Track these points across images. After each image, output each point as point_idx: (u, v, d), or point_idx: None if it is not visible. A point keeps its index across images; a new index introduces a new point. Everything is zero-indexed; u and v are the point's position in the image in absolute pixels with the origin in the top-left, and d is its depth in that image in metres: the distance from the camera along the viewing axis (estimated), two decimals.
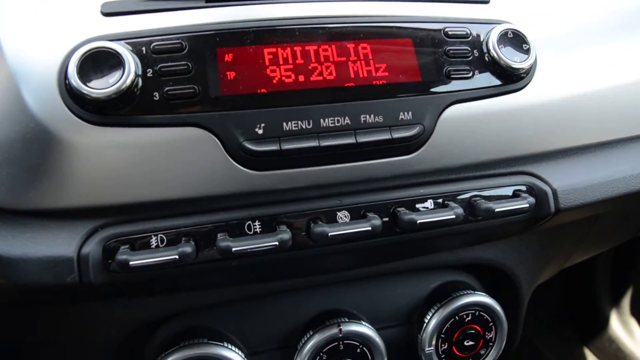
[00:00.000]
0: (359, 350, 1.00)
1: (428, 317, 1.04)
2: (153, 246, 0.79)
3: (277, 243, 0.79)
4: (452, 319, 1.04)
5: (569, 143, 0.98)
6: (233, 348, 0.95)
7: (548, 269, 1.26)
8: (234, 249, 0.77)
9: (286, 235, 0.80)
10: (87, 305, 0.93)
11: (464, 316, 1.05)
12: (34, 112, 0.75)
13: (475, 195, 0.91)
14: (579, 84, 0.98)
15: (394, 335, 1.07)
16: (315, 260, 0.90)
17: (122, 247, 0.77)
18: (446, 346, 1.05)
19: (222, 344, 0.95)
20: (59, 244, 0.77)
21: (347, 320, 0.99)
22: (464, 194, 0.91)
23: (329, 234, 0.80)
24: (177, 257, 0.76)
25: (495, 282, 1.13)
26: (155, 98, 0.77)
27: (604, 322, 2.29)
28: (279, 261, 0.85)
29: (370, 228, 0.82)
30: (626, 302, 2.26)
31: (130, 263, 0.75)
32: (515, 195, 0.93)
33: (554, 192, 0.95)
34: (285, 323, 1.02)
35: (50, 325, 0.96)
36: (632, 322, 2.25)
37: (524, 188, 0.94)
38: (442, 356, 1.05)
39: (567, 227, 1.18)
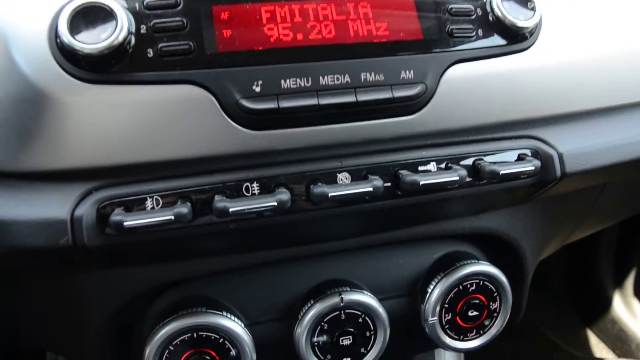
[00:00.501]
0: (360, 320, 0.97)
1: (431, 287, 1.01)
2: (148, 208, 0.76)
3: (275, 204, 0.76)
4: (456, 289, 1.01)
5: (576, 107, 0.95)
6: (232, 318, 0.93)
7: (552, 242, 1.23)
8: (231, 210, 0.75)
9: (285, 196, 0.77)
10: (83, 275, 0.90)
11: (468, 286, 1.02)
12: (25, 71, 0.73)
13: (480, 159, 0.88)
14: (587, 46, 0.95)
15: (396, 306, 1.04)
16: (315, 225, 0.87)
17: (116, 209, 0.75)
18: (450, 316, 1.02)
19: (221, 313, 0.92)
20: (52, 206, 0.75)
21: (348, 289, 0.97)
22: (468, 157, 0.88)
23: (329, 195, 0.78)
24: (172, 217, 0.74)
25: (499, 254, 1.10)
26: (149, 55, 0.74)
27: (607, 304, 2.26)
28: (278, 226, 0.82)
29: (371, 189, 0.79)
30: (629, 283, 2.23)
31: (125, 224, 0.72)
32: (520, 158, 0.90)
33: (560, 156, 0.92)
34: (286, 293, 0.99)
35: (46, 295, 0.94)
36: (635, 302, 2.22)
37: (529, 152, 0.91)
38: (446, 327, 1.03)
39: (572, 198, 1.15)
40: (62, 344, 1.07)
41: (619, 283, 2.25)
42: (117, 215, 0.73)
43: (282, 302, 0.99)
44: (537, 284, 2.45)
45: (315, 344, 0.96)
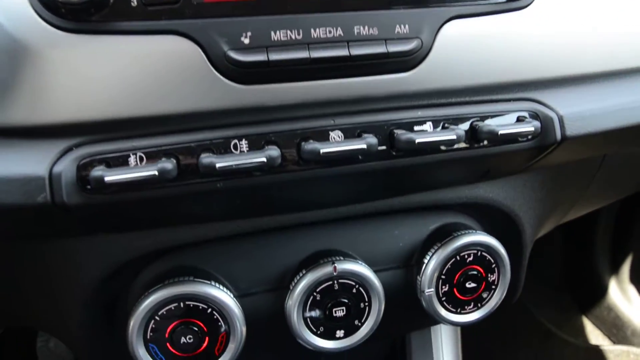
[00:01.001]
0: (354, 291, 0.93)
1: (427, 258, 0.97)
2: (131, 165, 0.72)
3: (264, 159, 0.72)
4: (453, 259, 0.97)
5: (575, 70, 0.92)
6: (221, 288, 0.89)
7: (551, 217, 1.20)
8: (218, 165, 0.71)
9: (275, 152, 0.73)
10: (66, 244, 0.86)
11: (465, 257, 0.98)
12: (1, 19, 0.69)
13: (478, 120, 0.85)
14: (587, 8, 0.92)
15: (391, 278, 1.00)
16: (306, 189, 0.83)
17: (97, 166, 0.71)
18: (447, 288, 0.98)
19: (209, 282, 0.88)
20: (29, 162, 0.71)
21: (342, 259, 0.93)
22: (465, 118, 0.84)
23: (321, 151, 0.74)
24: (156, 173, 0.70)
25: (497, 226, 1.07)
26: (132, 4, 0.70)
27: (603, 290, 2.24)
28: (267, 187, 0.78)
29: (365, 146, 0.76)
30: (625, 269, 2.21)
31: (106, 179, 0.68)
32: (520, 120, 0.87)
33: (560, 118, 0.88)
34: (277, 264, 0.95)
35: (29, 265, 0.89)
36: (631, 289, 2.20)
37: (528, 114, 0.88)
38: (443, 299, 0.99)
39: (572, 171, 1.12)
40: (47, 320, 1.02)
41: (615, 270, 2.22)
42: (98, 171, 0.69)
43: (273, 273, 0.95)
44: (533, 272, 2.43)
45: (308, 315, 0.92)
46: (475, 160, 0.87)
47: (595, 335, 2.26)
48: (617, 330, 2.20)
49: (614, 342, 2.22)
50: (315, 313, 0.93)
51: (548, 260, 2.37)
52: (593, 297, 2.26)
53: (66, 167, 0.70)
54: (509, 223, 1.06)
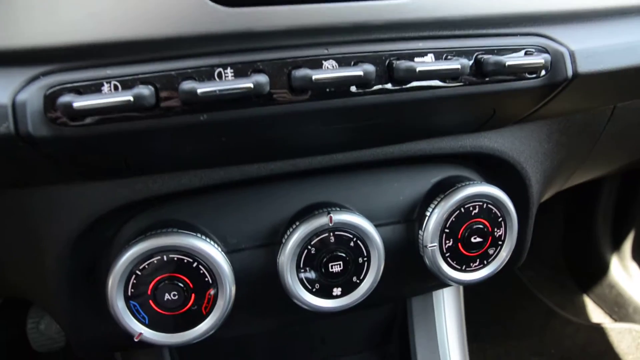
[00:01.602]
0: (352, 244, 0.86)
1: (430, 210, 0.90)
2: (105, 93, 0.64)
3: (251, 85, 0.65)
4: (458, 212, 0.90)
5: (587, 3, 0.85)
6: (209, 241, 0.81)
7: (557, 177, 1.13)
8: (200, 91, 0.63)
9: (263, 78, 0.66)
10: (42, 192, 0.79)
11: (471, 209, 0.91)
12: None
13: (483, 53, 0.77)
14: None
15: (391, 234, 0.93)
16: (298, 127, 0.76)
17: (67, 93, 0.63)
18: (451, 243, 0.91)
19: (195, 234, 0.81)
20: None
21: (338, 209, 0.85)
22: (470, 51, 0.77)
23: (313, 77, 0.66)
24: (131, 99, 0.62)
25: (503, 180, 0.99)
26: None
27: (604, 268, 2.17)
28: (255, 122, 0.71)
29: (361, 73, 0.68)
30: (627, 246, 2.15)
31: (75, 104, 0.61)
32: (528, 54, 0.79)
33: (572, 53, 0.81)
34: (268, 218, 0.88)
35: (3, 213, 0.81)
36: (633, 266, 2.13)
37: (536, 50, 0.81)
38: (447, 254, 0.91)
39: (580, 123, 1.05)
40: (28, 282, 0.94)
41: (616, 247, 2.16)
42: (66, 97, 0.61)
43: (264, 227, 0.88)
44: (534, 251, 2.36)
45: (302, 271, 0.85)
46: (480, 99, 0.80)
47: (596, 314, 2.20)
48: (619, 308, 2.13)
49: (616, 320, 2.16)
50: (310, 269, 0.85)
51: (548, 239, 2.31)
52: (594, 276, 2.20)
53: (32, 95, 0.63)
54: (515, 177, 0.99)
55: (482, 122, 0.89)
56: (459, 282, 0.94)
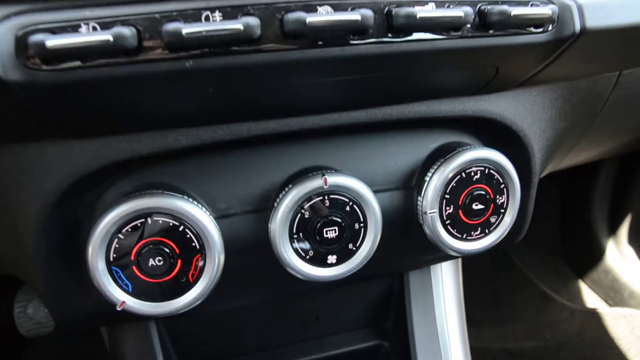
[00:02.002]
0: (348, 209, 0.81)
1: (430, 174, 0.86)
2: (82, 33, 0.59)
3: (241, 27, 0.59)
4: (458, 177, 0.85)
5: None
6: (196, 203, 0.76)
7: (560, 146, 1.08)
8: (185, 31, 0.58)
9: (253, 20, 0.61)
10: (19, 149, 0.73)
11: (472, 174, 0.86)
12: None
13: (486, 4, 0.73)
14: None
15: (389, 201, 0.88)
16: (291, 80, 0.71)
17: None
18: (452, 209, 0.87)
19: (182, 196, 0.75)
20: None
21: (333, 171, 0.81)
22: (473, 1, 0.72)
23: (307, 20, 0.61)
24: (110, 38, 0.57)
25: (505, 147, 0.94)
26: None
27: (600, 253, 2.14)
28: (245, 71, 0.65)
29: (359, 17, 0.63)
30: (623, 231, 2.11)
31: (48, 43, 0.55)
32: (534, 5, 0.75)
33: (579, 7, 0.77)
34: (260, 182, 0.83)
35: None
36: (629, 251, 2.10)
37: (541, 2, 0.76)
38: (447, 222, 0.87)
39: (585, 89, 1.00)
40: (3, 249, 0.88)
41: (612, 231, 2.13)
42: (39, 35, 0.56)
43: (255, 192, 0.83)
44: (528, 236, 2.33)
45: (295, 237, 0.80)
46: (483, 54, 0.75)
47: (592, 299, 2.17)
48: (614, 293, 2.10)
49: (611, 305, 2.13)
50: (304, 235, 0.80)
51: (544, 224, 2.27)
52: (590, 260, 2.16)
53: (2, 36, 0.57)
54: (517, 145, 0.95)
55: (484, 83, 0.84)
56: (459, 252, 0.89)
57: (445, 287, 1.14)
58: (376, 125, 0.86)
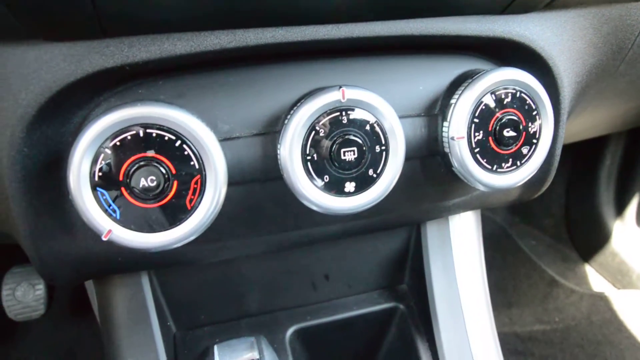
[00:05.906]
0: (368, 127, 0.68)
1: (456, 97, 0.73)
2: None
3: None
4: (488, 99, 0.73)
5: None
6: (196, 117, 0.63)
7: (585, 93, 0.96)
8: None
9: None
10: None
11: (502, 96, 0.74)
12: None
13: None
14: None
15: (410, 127, 0.75)
16: None
17: None
18: (481, 135, 0.74)
19: (179, 108, 0.62)
20: None
21: (352, 86, 0.68)
22: None
23: None
24: None
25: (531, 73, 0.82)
26: None
27: (607, 236, 2.01)
28: None
29: None
30: (630, 212, 1.98)
31: None
32: None
33: None
34: (268, 102, 0.70)
35: None
36: (636, 233, 1.97)
37: None
38: (476, 150, 0.74)
39: (614, 21, 0.89)
40: None
41: (619, 214, 2.00)
42: None
43: (263, 113, 0.69)
44: (535, 220, 2.20)
45: (308, 159, 0.67)
46: None
47: (599, 282, 2.03)
48: (622, 276, 1.97)
49: (619, 288, 1.99)
50: (319, 155, 0.67)
51: (550, 207, 2.15)
52: (597, 244, 2.03)
53: None
54: (546, 74, 0.82)
55: None
56: (488, 185, 0.76)
57: (465, 242, 1.00)
58: (395, 43, 0.73)
